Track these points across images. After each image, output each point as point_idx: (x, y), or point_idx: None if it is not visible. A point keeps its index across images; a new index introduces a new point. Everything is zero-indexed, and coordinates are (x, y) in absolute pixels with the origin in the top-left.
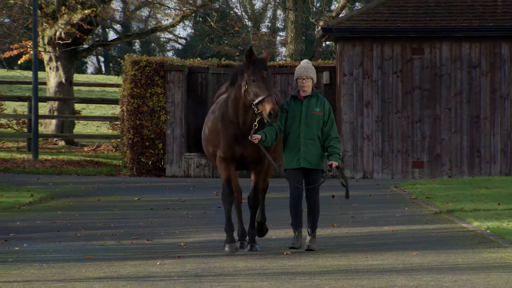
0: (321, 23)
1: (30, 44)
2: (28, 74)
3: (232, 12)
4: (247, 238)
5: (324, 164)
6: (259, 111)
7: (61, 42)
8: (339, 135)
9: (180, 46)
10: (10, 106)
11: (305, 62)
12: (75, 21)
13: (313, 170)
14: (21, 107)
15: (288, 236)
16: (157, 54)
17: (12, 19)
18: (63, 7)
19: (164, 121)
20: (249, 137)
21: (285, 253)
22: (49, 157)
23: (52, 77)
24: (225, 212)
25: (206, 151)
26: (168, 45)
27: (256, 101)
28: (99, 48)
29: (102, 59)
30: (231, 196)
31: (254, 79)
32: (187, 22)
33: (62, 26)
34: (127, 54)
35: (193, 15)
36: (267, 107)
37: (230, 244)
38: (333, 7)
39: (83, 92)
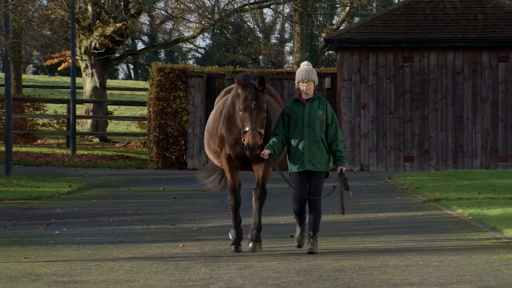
0: (323, 34)
1: (68, 53)
2: (67, 79)
3: (245, 25)
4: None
5: (328, 167)
6: (243, 140)
7: (95, 51)
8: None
9: (200, 55)
10: (51, 108)
11: (305, 65)
12: (108, 33)
13: (316, 172)
14: (61, 109)
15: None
16: (180, 62)
17: (53, 32)
18: (98, 21)
19: (185, 121)
20: (260, 154)
21: (291, 236)
22: (85, 152)
23: (88, 82)
24: (232, 217)
25: (207, 148)
26: (189, 54)
27: (242, 130)
28: (129, 56)
29: (131, 66)
30: (237, 203)
31: (242, 109)
32: (206, 34)
33: (97, 38)
34: (154, 62)
35: (211, 28)
36: (246, 140)
37: (235, 245)
38: (334, 21)
39: (115, 95)
